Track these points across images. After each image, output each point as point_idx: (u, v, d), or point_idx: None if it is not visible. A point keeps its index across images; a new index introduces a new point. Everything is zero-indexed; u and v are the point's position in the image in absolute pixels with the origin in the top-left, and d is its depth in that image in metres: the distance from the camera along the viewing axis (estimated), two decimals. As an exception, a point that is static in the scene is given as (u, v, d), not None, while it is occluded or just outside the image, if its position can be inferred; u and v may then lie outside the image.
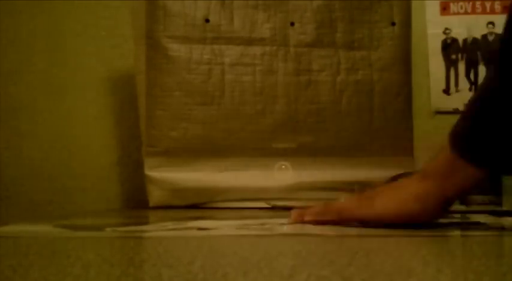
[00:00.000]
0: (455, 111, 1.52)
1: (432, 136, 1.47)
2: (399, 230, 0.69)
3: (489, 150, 0.70)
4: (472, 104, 0.74)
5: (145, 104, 1.28)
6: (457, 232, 0.72)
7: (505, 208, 1.15)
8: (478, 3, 1.56)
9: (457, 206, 1.15)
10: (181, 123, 1.27)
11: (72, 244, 0.60)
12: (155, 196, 1.27)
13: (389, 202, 0.74)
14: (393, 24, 1.36)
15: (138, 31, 1.30)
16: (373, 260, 0.46)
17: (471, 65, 1.56)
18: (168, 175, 1.27)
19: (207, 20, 1.29)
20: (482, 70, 1.54)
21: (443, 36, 1.56)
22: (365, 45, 1.35)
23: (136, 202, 1.45)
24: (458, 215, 0.94)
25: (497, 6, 1.56)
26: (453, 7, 1.56)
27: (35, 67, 1.49)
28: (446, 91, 1.55)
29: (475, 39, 1.56)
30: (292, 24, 1.33)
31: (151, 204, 1.27)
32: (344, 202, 0.80)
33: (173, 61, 1.27)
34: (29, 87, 1.48)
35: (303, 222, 0.79)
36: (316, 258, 0.48)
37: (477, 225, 0.80)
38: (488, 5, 1.56)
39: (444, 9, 1.57)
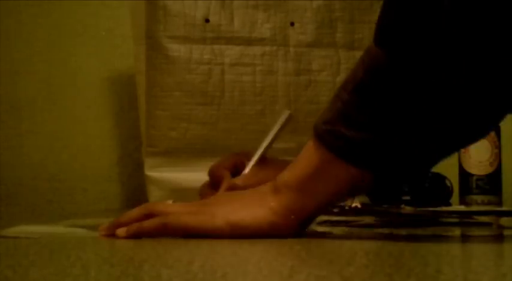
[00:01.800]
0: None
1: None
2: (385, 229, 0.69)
3: (378, 148, 0.57)
4: (356, 88, 0.59)
5: (145, 104, 1.28)
6: (457, 232, 0.72)
7: (505, 208, 1.15)
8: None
9: (457, 206, 1.15)
10: (181, 123, 1.27)
11: (72, 244, 0.60)
12: (155, 196, 1.27)
13: (235, 212, 0.61)
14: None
15: (138, 31, 1.30)
16: (373, 260, 0.46)
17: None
18: (168, 175, 1.27)
19: (207, 20, 1.29)
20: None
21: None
22: (365, 45, 1.34)
23: (136, 202, 1.45)
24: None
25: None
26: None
27: (35, 67, 1.49)
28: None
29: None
30: (292, 24, 1.32)
31: (151, 204, 1.27)
32: (171, 205, 0.65)
33: (173, 61, 1.27)
34: (29, 87, 1.48)
35: (118, 236, 0.63)
36: (315, 258, 0.48)
37: (478, 225, 0.80)
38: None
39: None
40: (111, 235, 0.63)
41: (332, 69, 1.33)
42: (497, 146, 1.17)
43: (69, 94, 1.49)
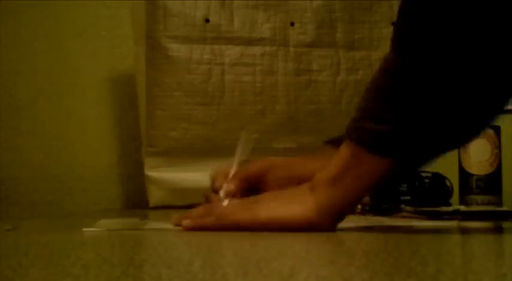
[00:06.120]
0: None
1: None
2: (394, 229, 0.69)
3: (399, 138, 0.63)
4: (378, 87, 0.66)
5: (145, 104, 1.28)
6: (457, 232, 0.72)
7: (505, 208, 1.15)
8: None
9: (457, 206, 1.15)
10: (181, 124, 1.27)
11: (72, 244, 0.60)
12: (155, 196, 1.27)
13: (274, 209, 0.69)
14: (393, 24, 1.36)
15: (138, 31, 1.30)
16: (373, 260, 0.46)
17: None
18: (168, 175, 1.27)
19: (207, 20, 1.29)
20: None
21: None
22: (365, 45, 1.35)
23: (136, 202, 1.45)
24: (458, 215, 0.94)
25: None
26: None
27: (35, 67, 1.49)
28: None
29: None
30: (292, 24, 1.32)
31: (151, 204, 1.27)
32: (226, 206, 0.75)
33: (173, 61, 1.27)
34: (29, 87, 1.48)
35: (183, 227, 0.72)
36: (316, 258, 0.48)
37: (478, 225, 0.80)
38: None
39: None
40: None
41: (332, 69, 1.33)
42: (497, 146, 1.17)
43: (69, 94, 1.49)
